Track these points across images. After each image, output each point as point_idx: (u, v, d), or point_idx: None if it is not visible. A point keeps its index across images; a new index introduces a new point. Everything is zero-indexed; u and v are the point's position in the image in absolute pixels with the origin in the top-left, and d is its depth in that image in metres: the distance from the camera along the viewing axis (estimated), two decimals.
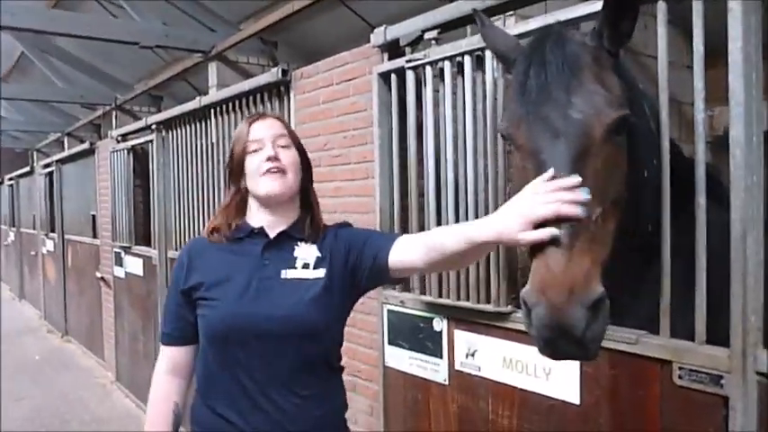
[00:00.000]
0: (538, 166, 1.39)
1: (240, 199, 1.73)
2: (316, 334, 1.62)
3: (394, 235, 1.71)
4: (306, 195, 1.77)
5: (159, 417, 1.72)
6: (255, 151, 1.66)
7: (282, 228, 1.69)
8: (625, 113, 1.42)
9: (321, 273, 1.65)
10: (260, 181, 1.64)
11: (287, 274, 1.64)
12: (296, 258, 1.66)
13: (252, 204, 1.72)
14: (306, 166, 1.76)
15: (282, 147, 1.67)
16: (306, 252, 1.67)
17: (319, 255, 1.67)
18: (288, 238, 1.69)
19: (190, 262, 1.70)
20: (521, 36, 1.94)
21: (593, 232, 1.31)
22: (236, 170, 1.70)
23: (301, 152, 1.73)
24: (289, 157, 1.67)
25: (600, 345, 1.31)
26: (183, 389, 1.76)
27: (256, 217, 1.71)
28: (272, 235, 1.68)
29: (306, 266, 1.65)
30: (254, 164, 1.65)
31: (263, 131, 1.67)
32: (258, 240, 1.68)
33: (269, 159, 1.63)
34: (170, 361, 1.74)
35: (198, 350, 1.73)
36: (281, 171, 1.64)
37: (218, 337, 1.61)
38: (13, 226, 12.81)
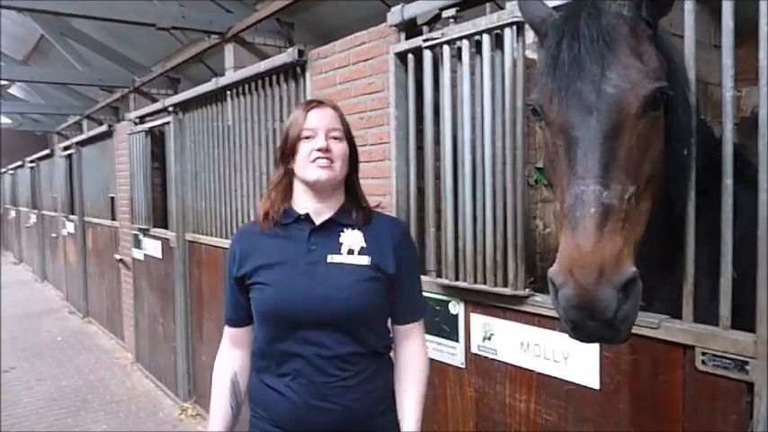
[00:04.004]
0: (569, 142, 1.35)
1: (288, 181, 1.80)
2: (361, 316, 1.71)
3: (421, 313, 1.90)
4: (351, 182, 1.83)
5: (223, 390, 1.84)
6: (309, 138, 1.72)
7: (328, 214, 1.77)
8: (662, 85, 1.37)
9: (366, 259, 1.73)
10: (308, 167, 1.71)
11: (333, 258, 1.72)
12: (341, 244, 1.74)
13: (297, 187, 1.79)
14: (353, 155, 1.82)
15: (334, 138, 1.74)
16: (351, 238, 1.75)
17: (364, 245, 1.74)
18: (334, 225, 1.77)
19: (241, 251, 1.79)
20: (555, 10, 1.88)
21: (626, 211, 1.28)
22: (288, 152, 1.76)
23: (350, 143, 1.80)
24: (339, 149, 1.74)
25: (632, 326, 1.28)
26: (244, 358, 1.88)
27: (301, 200, 1.78)
28: (317, 221, 1.76)
29: (351, 252, 1.73)
30: (305, 150, 1.72)
31: (319, 121, 1.73)
32: (304, 226, 1.76)
33: (320, 150, 1.70)
34: (231, 338, 1.89)
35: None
36: (331, 161, 1.71)
37: (271, 319, 1.72)
38: (35, 208, 12.99)
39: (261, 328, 1.76)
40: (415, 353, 1.84)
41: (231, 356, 1.87)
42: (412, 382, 1.81)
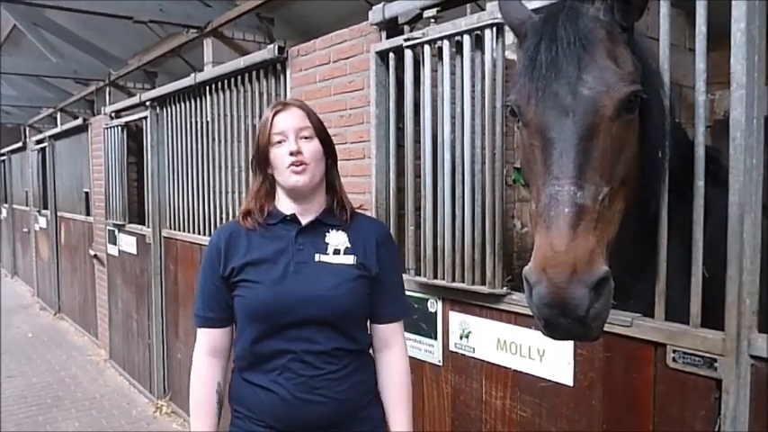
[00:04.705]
0: (545, 143, 1.37)
1: (269, 185, 1.80)
2: (350, 314, 1.74)
3: (403, 313, 1.89)
4: (330, 178, 1.83)
5: (205, 402, 1.78)
6: (279, 143, 1.72)
7: (313, 215, 1.78)
8: (636, 89, 1.40)
9: (351, 259, 1.75)
10: (285, 173, 1.71)
11: (320, 258, 1.74)
12: (327, 244, 1.76)
13: (279, 191, 1.79)
14: (329, 150, 1.81)
15: (305, 138, 1.73)
16: (336, 239, 1.77)
17: (349, 245, 1.77)
18: (320, 225, 1.78)
19: (227, 247, 1.76)
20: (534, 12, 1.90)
21: (600, 212, 1.30)
22: (261, 160, 1.77)
23: (323, 138, 1.78)
24: (311, 149, 1.73)
25: (603, 325, 1.30)
26: (224, 369, 1.83)
27: (285, 203, 1.78)
28: (303, 222, 1.77)
29: (337, 252, 1.75)
30: (278, 157, 1.72)
31: (286, 123, 1.72)
32: (291, 226, 1.76)
33: (292, 154, 1.69)
34: (209, 343, 1.79)
35: (233, 330, 1.82)
36: (304, 164, 1.70)
37: (260, 317, 1.69)
38: (6, 202, 12.74)
39: (247, 327, 1.72)
40: (398, 361, 1.85)
41: (212, 365, 1.79)
42: (399, 394, 1.82)
